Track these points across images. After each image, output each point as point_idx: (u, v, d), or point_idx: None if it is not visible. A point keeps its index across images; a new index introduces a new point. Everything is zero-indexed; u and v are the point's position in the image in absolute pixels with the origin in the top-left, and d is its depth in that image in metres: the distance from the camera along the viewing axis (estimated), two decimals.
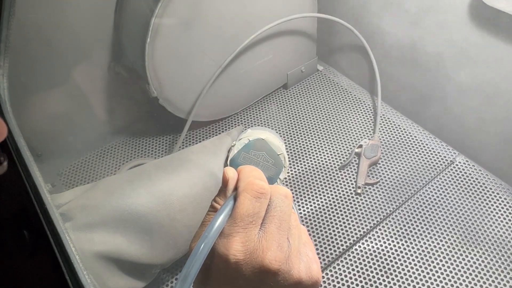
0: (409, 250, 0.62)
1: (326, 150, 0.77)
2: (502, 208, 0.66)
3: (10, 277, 0.32)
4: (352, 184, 0.71)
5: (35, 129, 0.69)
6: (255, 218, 0.26)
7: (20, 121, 0.42)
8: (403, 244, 0.63)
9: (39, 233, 0.32)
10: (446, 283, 0.58)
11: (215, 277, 0.26)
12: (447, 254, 0.61)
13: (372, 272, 0.60)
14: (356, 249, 0.63)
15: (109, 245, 0.47)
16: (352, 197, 0.69)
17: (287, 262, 0.26)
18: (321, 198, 0.69)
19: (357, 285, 0.59)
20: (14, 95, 0.45)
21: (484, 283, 0.58)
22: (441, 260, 0.60)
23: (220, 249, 0.25)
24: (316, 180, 0.72)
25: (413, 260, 0.61)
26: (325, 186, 0.71)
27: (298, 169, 0.74)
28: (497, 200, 0.67)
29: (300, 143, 0.79)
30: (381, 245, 0.63)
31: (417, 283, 0.58)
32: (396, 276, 0.59)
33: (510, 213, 0.65)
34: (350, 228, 0.65)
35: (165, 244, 0.51)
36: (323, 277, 0.60)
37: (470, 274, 0.59)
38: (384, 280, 0.59)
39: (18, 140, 0.39)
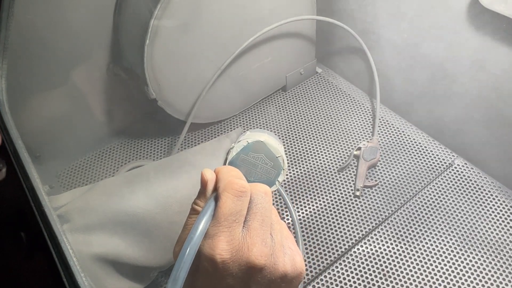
0: (408, 253, 0.62)
1: (325, 152, 0.77)
2: (501, 210, 0.66)
3: (7, 278, 0.31)
4: (350, 186, 0.71)
5: (33, 131, 0.69)
6: (238, 217, 0.27)
7: (19, 122, 0.42)
8: (401, 247, 0.63)
9: (36, 235, 0.32)
10: (445, 286, 0.58)
11: (204, 278, 0.26)
12: (446, 257, 0.61)
13: (370, 274, 0.60)
14: (354, 252, 0.63)
15: (107, 247, 0.47)
16: (351, 199, 0.69)
17: (272, 256, 0.26)
18: (319, 200, 0.69)
19: (355, 287, 0.59)
20: (13, 96, 0.45)
21: (483, 285, 0.57)
22: (440, 263, 0.60)
23: (206, 250, 0.26)
24: (315, 182, 0.72)
25: (412, 262, 0.61)
26: (324, 188, 0.71)
27: (297, 171, 0.74)
28: (496, 202, 0.67)
29: (298, 145, 0.79)
30: (380, 248, 0.63)
31: (416, 285, 0.58)
32: (395, 278, 0.59)
33: (508, 215, 0.65)
34: (348, 230, 0.65)
35: (163, 247, 0.51)
36: (322, 280, 0.60)
37: (469, 276, 0.59)
38: (382, 283, 0.59)
39: (16, 141, 0.39)
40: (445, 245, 0.62)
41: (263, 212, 0.27)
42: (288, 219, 0.66)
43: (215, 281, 0.26)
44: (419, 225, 0.65)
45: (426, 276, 0.59)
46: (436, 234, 0.64)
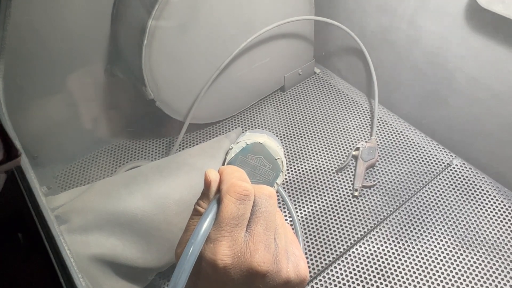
0: (407, 253, 0.62)
1: (323, 153, 0.77)
2: (499, 210, 0.66)
3: (4, 280, 0.31)
4: (349, 186, 0.71)
5: (31, 132, 0.69)
6: (240, 221, 0.26)
7: (16, 123, 0.42)
8: (400, 247, 0.63)
9: (33, 236, 0.32)
10: (444, 286, 0.58)
11: (204, 283, 0.26)
12: (445, 257, 0.61)
13: (369, 275, 0.60)
14: (353, 252, 0.62)
15: (104, 248, 0.47)
16: (349, 199, 0.69)
17: (275, 262, 0.26)
18: (318, 200, 0.69)
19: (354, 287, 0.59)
20: (10, 97, 0.44)
21: (482, 286, 0.58)
22: (438, 263, 0.60)
23: (207, 255, 0.25)
24: (313, 183, 0.72)
25: (411, 262, 0.61)
26: (322, 188, 0.71)
27: (295, 172, 0.74)
28: (494, 202, 0.67)
29: (297, 146, 0.79)
30: (379, 248, 0.63)
31: (415, 286, 0.58)
32: (393, 278, 0.59)
33: (507, 215, 0.65)
34: (347, 231, 0.65)
35: (161, 248, 0.51)
36: (320, 280, 0.60)
37: (468, 277, 0.59)
38: (381, 283, 0.59)
39: (14, 142, 0.38)
40: (443, 245, 0.62)
41: (267, 216, 0.27)
42: (288, 219, 0.66)
43: (216, 286, 0.25)
44: (417, 225, 0.65)
45: (425, 276, 0.59)
46: (434, 234, 0.64)
